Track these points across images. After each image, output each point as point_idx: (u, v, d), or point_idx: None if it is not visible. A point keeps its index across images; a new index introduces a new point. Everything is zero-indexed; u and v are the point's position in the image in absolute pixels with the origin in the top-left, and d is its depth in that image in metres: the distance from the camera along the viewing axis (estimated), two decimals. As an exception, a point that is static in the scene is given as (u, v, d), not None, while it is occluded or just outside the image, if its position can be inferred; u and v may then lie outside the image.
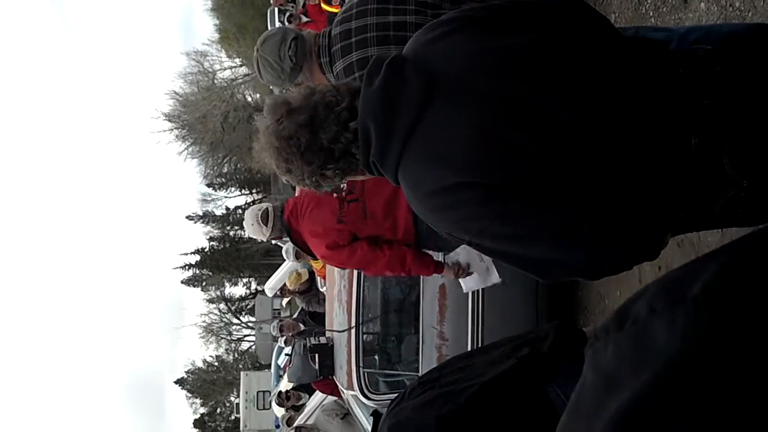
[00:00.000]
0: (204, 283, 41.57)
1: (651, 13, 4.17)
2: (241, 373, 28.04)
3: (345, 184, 3.73)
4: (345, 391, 4.74)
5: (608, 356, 0.79)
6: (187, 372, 42.38)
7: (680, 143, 1.47)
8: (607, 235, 1.49)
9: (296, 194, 4.22)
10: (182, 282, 41.74)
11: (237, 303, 41.53)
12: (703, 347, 0.67)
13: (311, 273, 8.66)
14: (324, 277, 6.82)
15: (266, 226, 3.92)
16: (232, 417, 35.41)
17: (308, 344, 5.71)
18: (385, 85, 1.51)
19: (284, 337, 8.90)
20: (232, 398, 37.21)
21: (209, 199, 40.60)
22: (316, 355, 5.67)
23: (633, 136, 1.48)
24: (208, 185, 39.38)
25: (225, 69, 34.58)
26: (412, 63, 1.55)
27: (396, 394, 3.30)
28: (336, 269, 4.78)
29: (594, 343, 0.82)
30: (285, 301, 15.73)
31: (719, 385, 0.64)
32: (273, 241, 4.20)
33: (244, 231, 4.15)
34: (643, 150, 1.48)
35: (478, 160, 1.47)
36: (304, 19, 9.47)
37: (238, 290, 41.99)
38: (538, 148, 1.45)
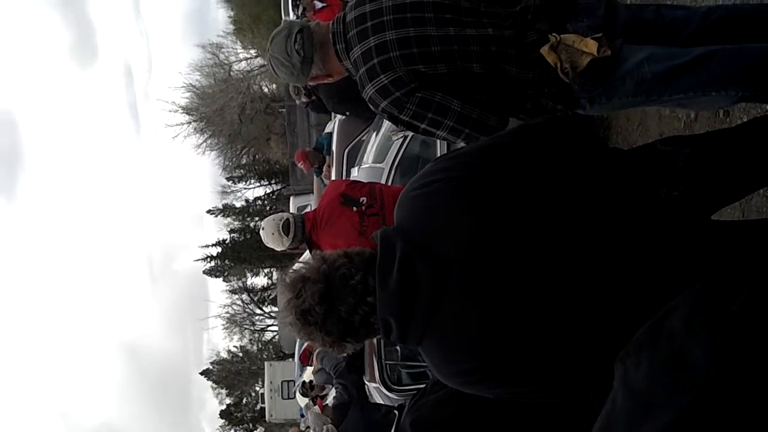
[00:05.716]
0: (226, 274, 41.80)
1: (668, -9, 4.08)
2: (266, 363, 28.21)
3: (365, 198, 3.73)
4: (368, 383, 4.74)
5: (641, 375, 0.75)
6: (211, 363, 42.72)
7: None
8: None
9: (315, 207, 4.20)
10: (204, 272, 42.02)
11: (259, 293, 41.75)
12: (743, 369, 0.64)
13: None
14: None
15: (287, 236, 3.96)
16: (258, 407, 35.65)
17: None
18: (401, 286, 1.64)
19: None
20: (257, 388, 37.45)
21: (228, 191, 40.79)
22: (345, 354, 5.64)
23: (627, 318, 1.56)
24: (228, 178, 39.51)
25: (240, 60, 34.61)
26: (420, 256, 1.66)
27: (418, 387, 3.29)
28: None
29: (625, 359, 0.79)
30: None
31: (760, 409, 0.62)
32: (289, 251, 4.19)
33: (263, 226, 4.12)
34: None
35: (486, 347, 1.64)
36: (319, 5, 9.34)
37: (259, 281, 42.25)
38: (533, 332, 1.60)
